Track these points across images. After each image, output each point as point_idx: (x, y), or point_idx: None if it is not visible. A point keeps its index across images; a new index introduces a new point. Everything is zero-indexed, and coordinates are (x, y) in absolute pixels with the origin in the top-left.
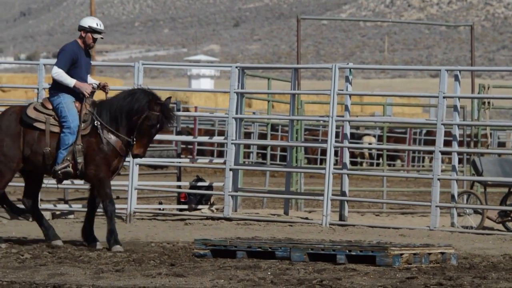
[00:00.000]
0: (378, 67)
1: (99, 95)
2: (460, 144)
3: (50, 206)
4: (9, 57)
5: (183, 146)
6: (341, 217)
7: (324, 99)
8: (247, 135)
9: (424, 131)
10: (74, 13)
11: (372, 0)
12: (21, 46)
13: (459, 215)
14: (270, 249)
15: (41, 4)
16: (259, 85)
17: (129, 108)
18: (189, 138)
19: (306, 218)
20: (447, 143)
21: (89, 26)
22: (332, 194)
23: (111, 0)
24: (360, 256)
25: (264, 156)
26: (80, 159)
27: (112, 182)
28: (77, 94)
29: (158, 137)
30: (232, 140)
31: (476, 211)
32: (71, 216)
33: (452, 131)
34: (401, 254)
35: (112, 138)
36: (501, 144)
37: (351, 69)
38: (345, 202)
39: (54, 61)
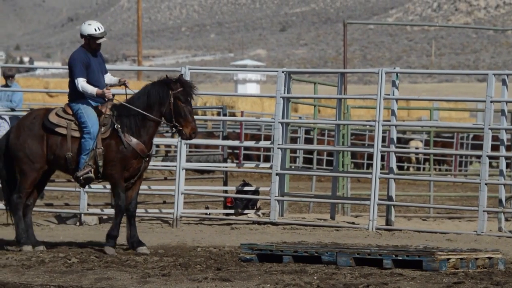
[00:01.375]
0: (425, 72)
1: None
2: (508, 148)
3: (97, 210)
4: (57, 62)
5: (230, 151)
6: (388, 222)
7: (370, 104)
8: (293, 139)
9: (471, 136)
10: (121, 19)
11: (419, 5)
12: (69, 51)
13: (506, 220)
14: (316, 254)
15: (89, 10)
16: (305, 89)
17: (153, 101)
18: (236, 143)
19: (353, 223)
20: (494, 148)
21: (88, 34)
22: (379, 199)
23: (158, 6)
24: (406, 261)
25: (310, 161)
26: (101, 162)
27: (159, 187)
28: (96, 99)
29: (204, 141)
30: (278, 144)
31: None
32: None
33: (499, 135)
34: (448, 259)
35: (132, 140)
36: None
37: (398, 74)
38: (392, 207)
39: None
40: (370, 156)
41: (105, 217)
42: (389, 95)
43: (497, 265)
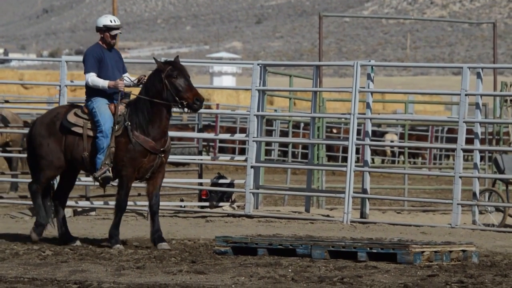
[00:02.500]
0: (400, 65)
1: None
2: (482, 142)
3: (72, 203)
4: (32, 54)
5: (205, 143)
6: (362, 215)
7: (345, 97)
8: (269, 132)
9: (446, 129)
10: (96, 10)
11: None
12: (44, 43)
13: (480, 213)
14: (291, 247)
15: (64, 1)
16: (281, 82)
17: (156, 89)
18: (211, 135)
19: (327, 216)
20: (469, 141)
21: (103, 25)
22: (354, 192)
23: None
24: (381, 253)
25: (285, 154)
26: (113, 161)
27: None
28: (110, 96)
29: (179, 134)
30: (253, 137)
31: (497, 209)
32: (93, 213)
33: (474, 129)
34: (422, 252)
35: (141, 138)
36: None
37: (373, 67)
38: (367, 200)
39: (76, 58)
40: (345, 149)
41: (79, 209)
42: (364, 88)
43: (471, 258)
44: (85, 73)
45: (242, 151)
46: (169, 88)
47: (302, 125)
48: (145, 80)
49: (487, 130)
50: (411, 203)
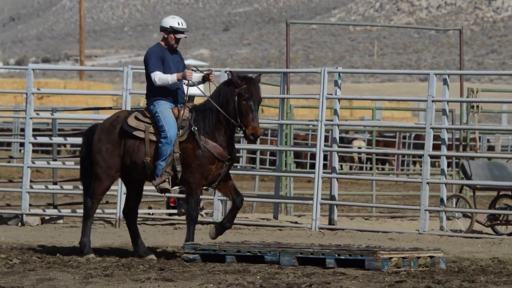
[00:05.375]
0: (367, 71)
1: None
2: (449, 148)
3: (39, 211)
4: None
5: None
6: (331, 221)
7: (313, 103)
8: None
9: (413, 135)
10: (63, 18)
11: (361, 5)
12: (10, 51)
13: (448, 218)
14: (259, 253)
15: (30, 9)
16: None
17: (222, 99)
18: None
19: (296, 222)
20: (436, 147)
21: (170, 26)
22: (322, 198)
23: (101, 5)
24: (349, 260)
25: (253, 161)
26: (179, 167)
27: None
28: (174, 100)
29: None
30: None
31: (465, 215)
32: (60, 221)
33: (441, 135)
34: (390, 258)
35: (209, 143)
36: (490, 148)
37: (340, 73)
38: (335, 206)
39: (43, 66)
40: (313, 156)
41: (47, 217)
42: (331, 94)
43: (438, 264)
44: (149, 73)
45: None
46: (235, 106)
47: (269, 132)
48: (212, 77)
49: (454, 136)
50: (379, 209)
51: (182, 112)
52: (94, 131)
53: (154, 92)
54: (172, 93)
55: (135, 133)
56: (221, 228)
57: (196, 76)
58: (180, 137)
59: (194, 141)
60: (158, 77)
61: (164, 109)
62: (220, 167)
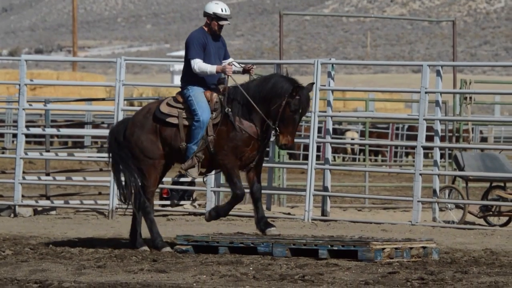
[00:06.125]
0: (360, 63)
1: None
2: (442, 139)
3: (32, 202)
4: None
5: None
6: (323, 213)
7: None
8: None
9: (406, 126)
10: (56, 9)
11: None
12: (3, 42)
13: (440, 210)
14: (252, 245)
15: (23, 0)
16: (241, 80)
17: (267, 93)
18: None
19: (289, 214)
20: (429, 138)
21: (213, 12)
22: (314, 190)
23: None
24: (342, 251)
25: None
26: (214, 150)
27: (94, 178)
28: (206, 84)
29: None
30: None
31: (457, 206)
32: (53, 212)
33: (434, 126)
34: (383, 249)
35: (245, 124)
36: (483, 139)
37: (334, 65)
38: (327, 198)
39: (36, 57)
40: (306, 147)
41: (40, 208)
42: (325, 86)
43: (431, 255)
44: (190, 59)
45: None
46: (279, 111)
47: None
48: (253, 71)
49: (447, 127)
50: (371, 200)
51: (214, 95)
52: (121, 127)
53: (190, 76)
54: (207, 78)
55: (169, 119)
56: (260, 226)
57: (236, 70)
58: (213, 120)
59: (229, 123)
60: (198, 65)
61: (197, 93)
62: (256, 147)
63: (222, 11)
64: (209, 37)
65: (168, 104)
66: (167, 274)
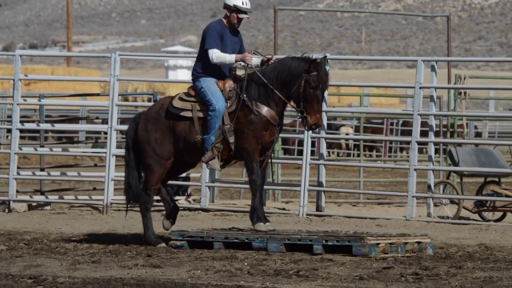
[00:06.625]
0: (355, 58)
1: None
2: (437, 134)
3: (27, 197)
4: None
5: None
6: (318, 208)
7: None
8: None
9: (401, 122)
10: (50, 4)
11: None
12: None
13: (435, 205)
14: (247, 240)
15: None
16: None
17: (285, 76)
18: None
19: (283, 209)
20: (423, 134)
21: (234, 5)
22: (309, 185)
23: None
24: (336, 246)
25: None
26: (232, 139)
27: (89, 173)
28: (218, 75)
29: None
30: None
31: (452, 201)
32: (48, 208)
33: (428, 121)
34: (378, 244)
35: (262, 108)
36: (477, 135)
37: (328, 60)
38: (322, 193)
39: (30, 52)
40: (301, 142)
41: (34, 204)
42: None
43: (425, 250)
44: (207, 49)
45: None
46: (300, 91)
47: None
48: (271, 62)
49: (442, 122)
50: (366, 195)
51: (226, 84)
52: (133, 125)
53: (202, 68)
54: (218, 70)
55: (183, 113)
56: (252, 222)
57: (255, 60)
58: (229, 108)
59: (246, 108)
60: (216, 55)
61: (210, 83)
62: (273, 133)
63: (243, 4)
64: (226, 29)
65: (180, 99)
66: (161, 269)
